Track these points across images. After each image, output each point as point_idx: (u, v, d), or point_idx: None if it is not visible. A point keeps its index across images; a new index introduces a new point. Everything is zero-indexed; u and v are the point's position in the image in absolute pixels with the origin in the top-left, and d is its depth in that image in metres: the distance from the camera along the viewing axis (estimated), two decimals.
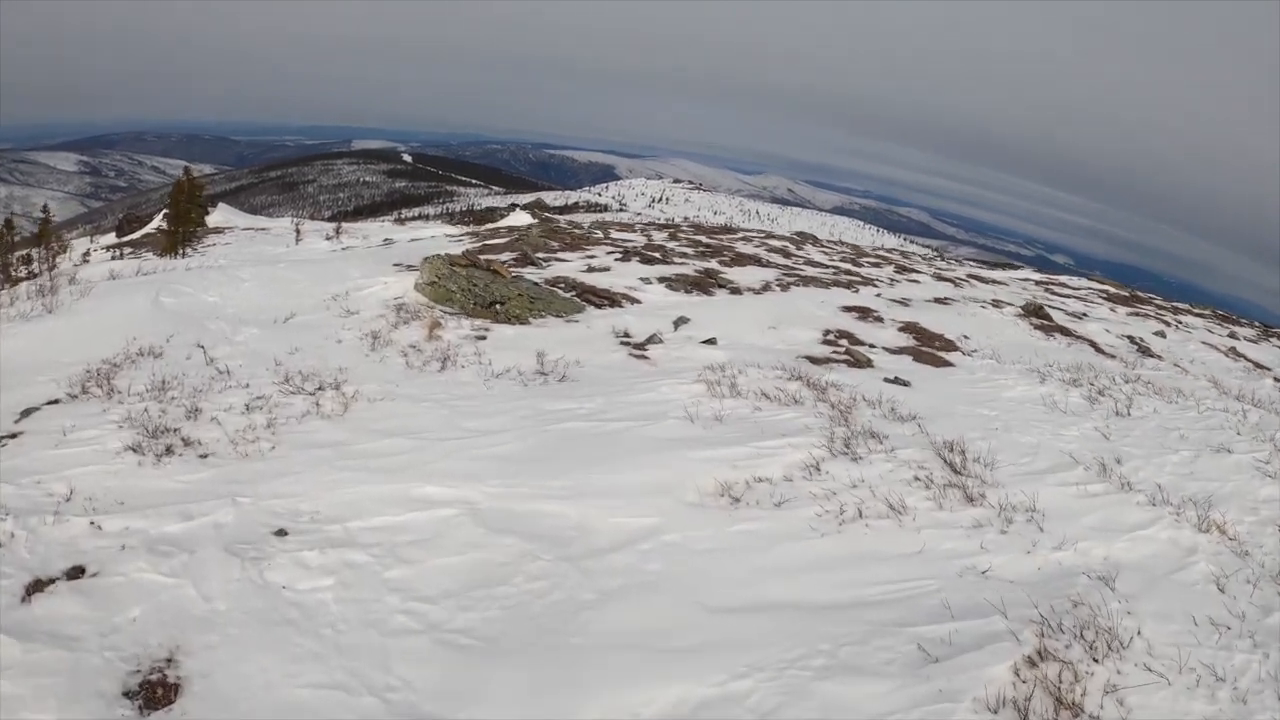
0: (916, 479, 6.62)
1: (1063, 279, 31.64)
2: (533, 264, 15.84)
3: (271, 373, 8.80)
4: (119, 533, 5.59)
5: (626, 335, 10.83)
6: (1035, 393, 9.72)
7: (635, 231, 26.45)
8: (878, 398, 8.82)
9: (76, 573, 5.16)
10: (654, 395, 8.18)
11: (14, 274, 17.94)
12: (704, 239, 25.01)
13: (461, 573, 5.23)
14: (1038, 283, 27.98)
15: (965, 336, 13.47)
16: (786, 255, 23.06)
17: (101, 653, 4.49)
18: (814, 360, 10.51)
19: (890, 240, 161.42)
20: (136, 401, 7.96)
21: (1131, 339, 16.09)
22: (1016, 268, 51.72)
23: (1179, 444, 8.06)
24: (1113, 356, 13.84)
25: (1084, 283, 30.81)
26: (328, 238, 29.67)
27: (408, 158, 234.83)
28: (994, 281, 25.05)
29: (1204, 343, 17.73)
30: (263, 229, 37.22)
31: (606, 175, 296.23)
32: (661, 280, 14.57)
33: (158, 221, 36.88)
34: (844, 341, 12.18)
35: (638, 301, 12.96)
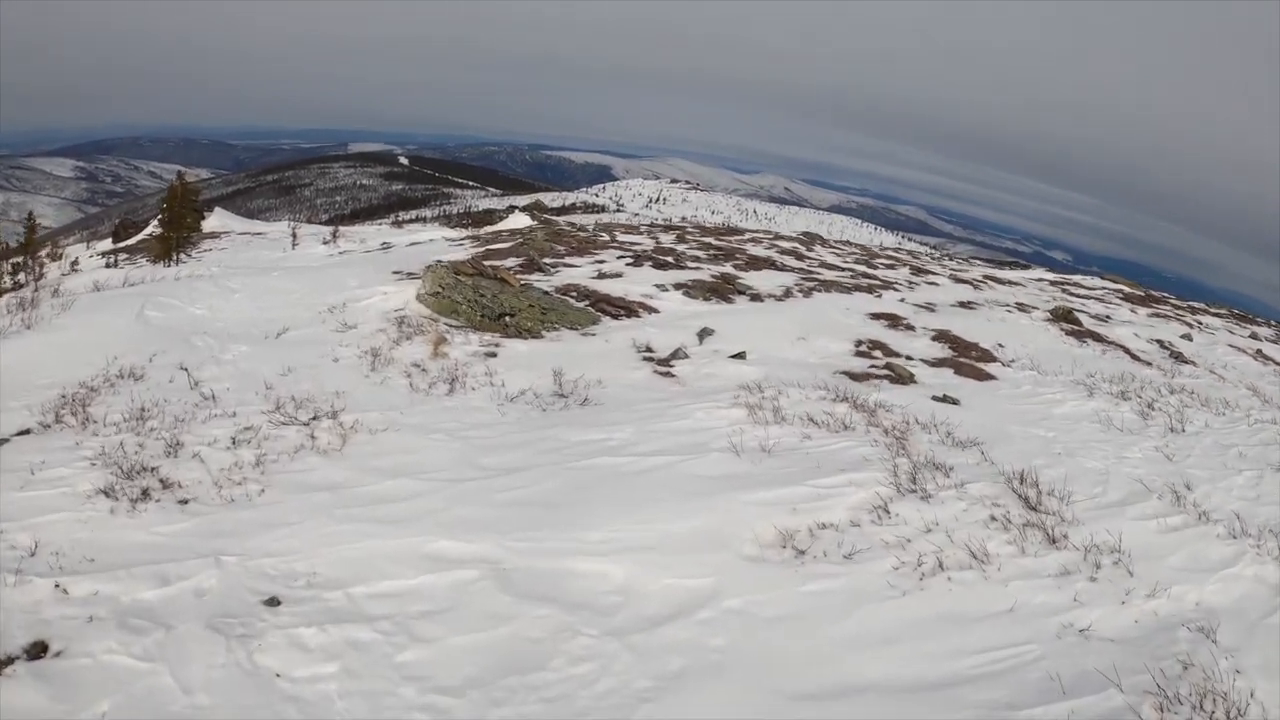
0: (993, 518, 5.97)
1: (1077, 279, 30.97)
2: (540, 270, 15.02)
3: (261, 398, 7.95)
4: (87, 598, 4.80)
5: (649, 350, 9.99)
6: (1086, 408, 9.23)
7: (641, 234, 25.60)
8: (930, 419, 8.12)
9: (39, 650, 4.39)
10: (690, 423, 7.34)
11: (1, 285, 17.14)
12: (713, 241, 24.19)
13: (489, 654, 4.38)
14: (1053, 283, 27.28)
15: (1000, 345, 12.83)
16: (799, 257, 22.25)
17: None
18: (854, 376, 9.72)
19: (888, 238, 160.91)
20: (112, 433, 7.14)
21: (1161, 343, 15.60)
22: (1025, 266, 51.05)
23: (1239, 463, 7.75)
24: (1149, 364, 13.34)
25: (1099, 282, 30.11)
26: (324, 242, 28.92)
27: (404, 160, 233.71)
28: (1010, 283, 24.35)
29: (1230, 345, 17.27)
30: (259, 233, 36.41)
31: (603, 176, 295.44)
32: (678, 287, 13.74)
33: (153, 227, 36.13)
34: (878, 353, 11.44)
35: (655, 310, 12.12)
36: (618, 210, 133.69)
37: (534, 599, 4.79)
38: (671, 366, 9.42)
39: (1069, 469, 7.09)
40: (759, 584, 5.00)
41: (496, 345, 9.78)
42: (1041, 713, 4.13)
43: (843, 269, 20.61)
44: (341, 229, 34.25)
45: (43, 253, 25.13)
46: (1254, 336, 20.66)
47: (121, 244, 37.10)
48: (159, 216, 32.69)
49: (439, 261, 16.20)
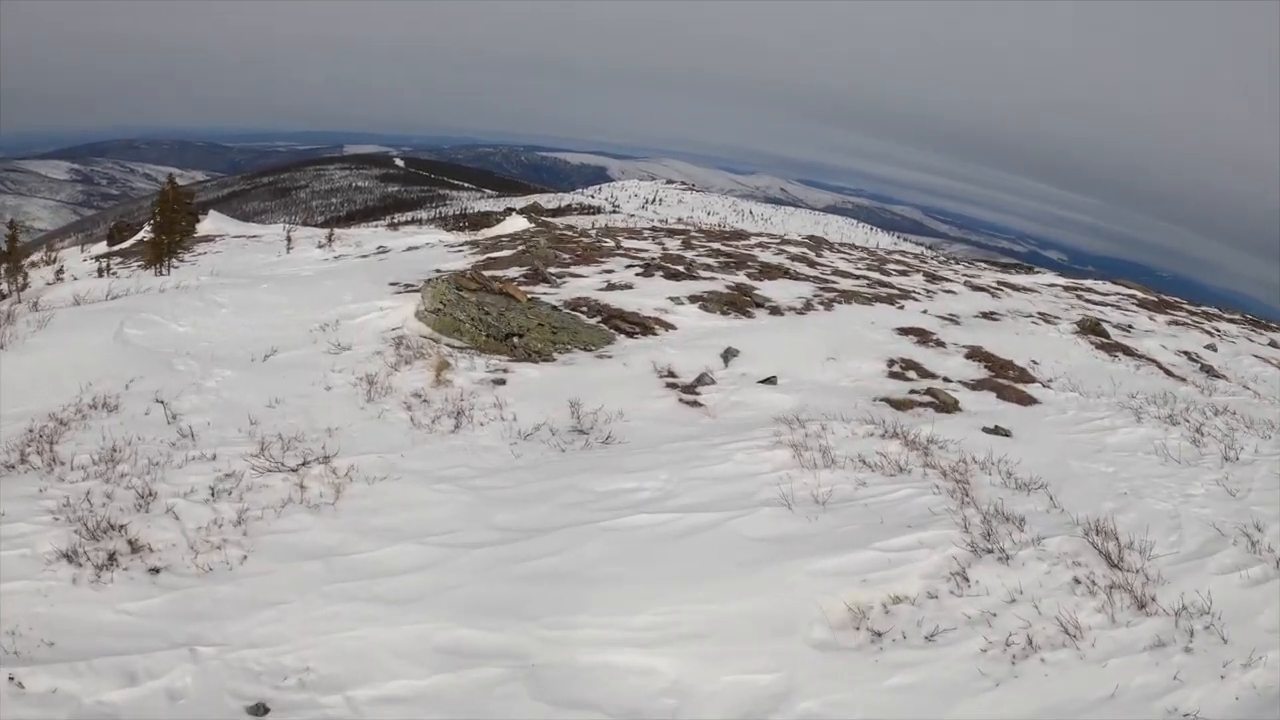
0: (1077, 581, 5.35)
1: (1088, 284, 30.28)
2: (545, 281, 14.22)
3: (245, 435, 7.15)
4: (44, 696, 4.07)
5: (671, 374, 9.19)
6: (1137, 435, 8.62)
7: (646, 239, 24.78)
8: (987, 456, 7.41)
9: None
10: (731, 467, 6.54)
11: None
12: (721, 246, 23.42)
13: None
14: (1066, 288, 26.60)
15: (1035, 362, 12.27)
16: (811, 264, 21.48)
17: None
18: (895, 404, 8.98)
19: (884, 239, 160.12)
20: (80, 479, 6.35)
21: (1189, 355, 15.17)
22: (1028, 268, 50.35)
23: None
24: (1183, 379, 12.91)
25: (1111, 288, 29.44)
26: (319, 245, 28.21)
27: (400, 162, 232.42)
28: (1025, 289, 23.67)
29: (1255, 356, 16.82)
30: (254, 236, 35.64)
31: (599, 177, 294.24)
32: (693, 300, 12.94)
33: (145, 232, 35.40)
34: (913, 373, 10.73)
35: (672, 327, 11.33)
36: (613, 211, 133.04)
37: (572, 705, 3.98)
38: (698, 394, 8.64)
39: (1139, 513, 6.53)
40: (835, 678, 4.22)
41: (505, 370, 8.96)
42: None
43: (857, 276, 19.86)
44: (337, 232, 33.51)
45: (27, 260, 24.35)
46: (1273, 344, 20.12)
47: (116, 247, 36.36)
48: (152, 220, 31.96)
49: (438, 273, 15.41)
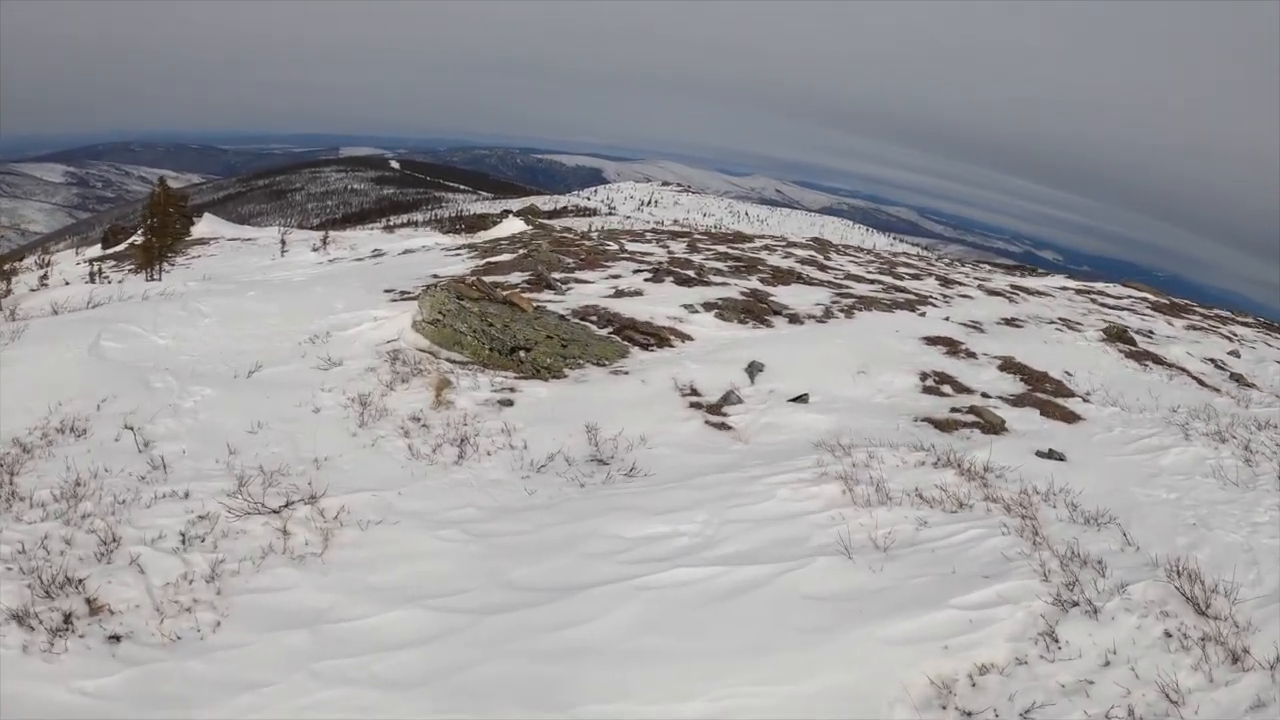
0: (1168, 634, 4.83)
1: (1100, 287, 29.68)
2: (550, 287, 13.47)
3: (223, 468, 6.37)
4: None
5: (694, 392, 8.43)
6: (1189, 455, 8.19)
7: (650, 243, 24.00)
8: (1048, 486, 6.76)
9: None
10: (775, 505, 5.79)
11: None
12: (726, 249, 22.69)
13: None
14: (1078, 292, 25.99)
15: (1069, 373, 11.73)
16: (821, 268, 20.77)
17: None
18: (938, 425, 8.25)
19: (880, 239, 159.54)
20: (39, 518, 5.61)
21: (1215, 362, 14.82)
22: (1032, 270, 49.65)
23: None
24: (1216, 390, 12.58)
25: (1124, 290, 28.84)
26: (314, 249, 27.55)
27: (395, 164, 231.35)
28: (1039, 293, 23.05)
29: (1278, 362, 16.49)
30: (249, 239, 34.89)
31: (594, 179, 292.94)
32: (708, 307, 12.19)
33: (137, 236, 34.76)
34: (947, 387, 10.05)
35: (689, 338, 10.58)
36: (609, 213, 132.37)
37: None
38: (725, 415, 7.89)
39: (1213, 547, 6.06)
40: None
41: (512, 389, 8.17)
42: None
43: (871, 281, 19.15)
44: (332, 234, 32.84)
45: (9, 265, 23.58)
46: None
47: (110, 250, 35.71)
48: (143, 224, 31.25)
49: (436, 279, 14.65)
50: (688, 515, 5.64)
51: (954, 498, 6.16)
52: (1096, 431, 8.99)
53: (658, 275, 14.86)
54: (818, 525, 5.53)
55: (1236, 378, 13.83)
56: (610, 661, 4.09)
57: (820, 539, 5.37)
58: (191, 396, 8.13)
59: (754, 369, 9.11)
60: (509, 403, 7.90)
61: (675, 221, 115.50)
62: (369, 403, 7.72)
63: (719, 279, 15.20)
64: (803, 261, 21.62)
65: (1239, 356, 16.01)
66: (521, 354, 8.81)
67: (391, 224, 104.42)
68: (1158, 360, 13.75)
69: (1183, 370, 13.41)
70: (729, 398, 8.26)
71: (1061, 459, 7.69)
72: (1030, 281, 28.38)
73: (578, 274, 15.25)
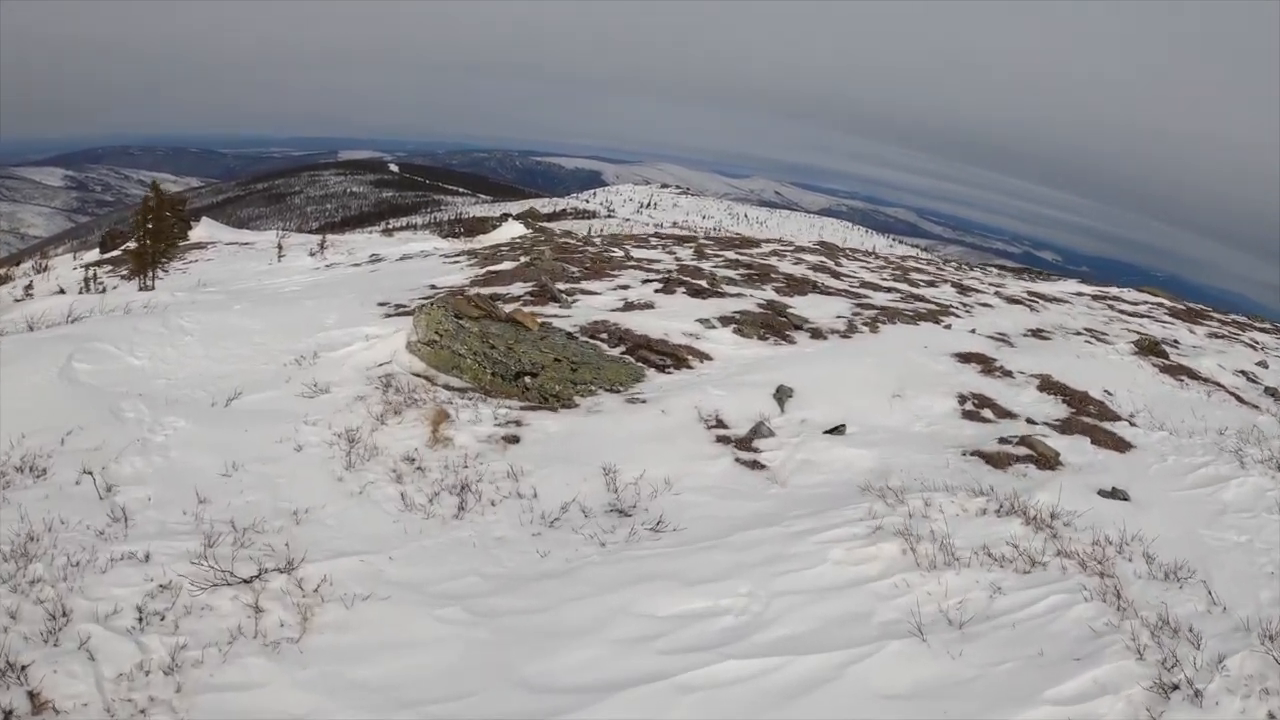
0: (1272, 716, 4.18)
1: (1115, 292, 28.94)
2: (555, 299, 12.64)
3: (191, 521, 5.56)
4: None
5: (720, 423, 7.60)
6: (1249, 487, 7.67)
7: (655, 248, 23.18)
8: (1119, 534, 6.06)
9: None
10: (829, 570, 4.97)
11: None
12: (736, 255, 21.89)
13: None
14: (1095, 298, 25.23)
15: (1108, 392, 11.03)
16: (834, 275, 19.98)
17: None
18: (988, 459, 7.45)
19: (880, 241, 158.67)
20: None
21: (1246, 375, 14.37)
22: (1040, 275, 48.91)
23: None
24: (1256, 407, 12.00)
25: (1140, 296, 28.09)
26: (311, 253, 26.83)
27: (394, 167, 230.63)
28: (1057, 299, 22.29)
29: None
30: (247, 243, 34.12)
31: (593, 181, 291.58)
32: (725, 322, 11.36)
33: (131, 242, 34.02)
34: (988, 411, 9.30)
35: (708, 358, 9.75)
36: (609, 215, 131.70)
37: None
38: (757, 451, 7.06)
39: None
40: None
41: (517, 422, 7.31)
42: None
43: (887, 289, 18.36)
44: (331, 238, 32.17)
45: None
46: None
47: (108, 254, 35.02)
48: (136, 230, 30.51)
49: (434, 290, 13.83)
50: (730, 586, 4.80)
51: (1025, 555, 5.38)
52: (1150, 461, 8.35)
53: (668, 285, 14.04)
54: (880, 596, 4.72)
55: (1271, 392, 13.35)
56: None
57: (886, 614, 4.56)
58: (163, 429, 7.34)
59: (783, 395, 8.29)
60: (515, 439, 7.04)
61: (675, 224, 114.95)
62: (357, 439, 6.88)
63: (733, 289, 14.39)
64: (815, 268, 20.82)
65: (1267, 367, 15.44)
66: (527, 379, 7.98)
67: (390, 227, 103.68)
68: (1192, 375, 13.10)
69: (1218, 385, 12.78)
70: (759, 430, 7.42)
71: (1125, 498, 7.04)
72: (1045, 287, 27.65)
73: (583, 284, 14.44)
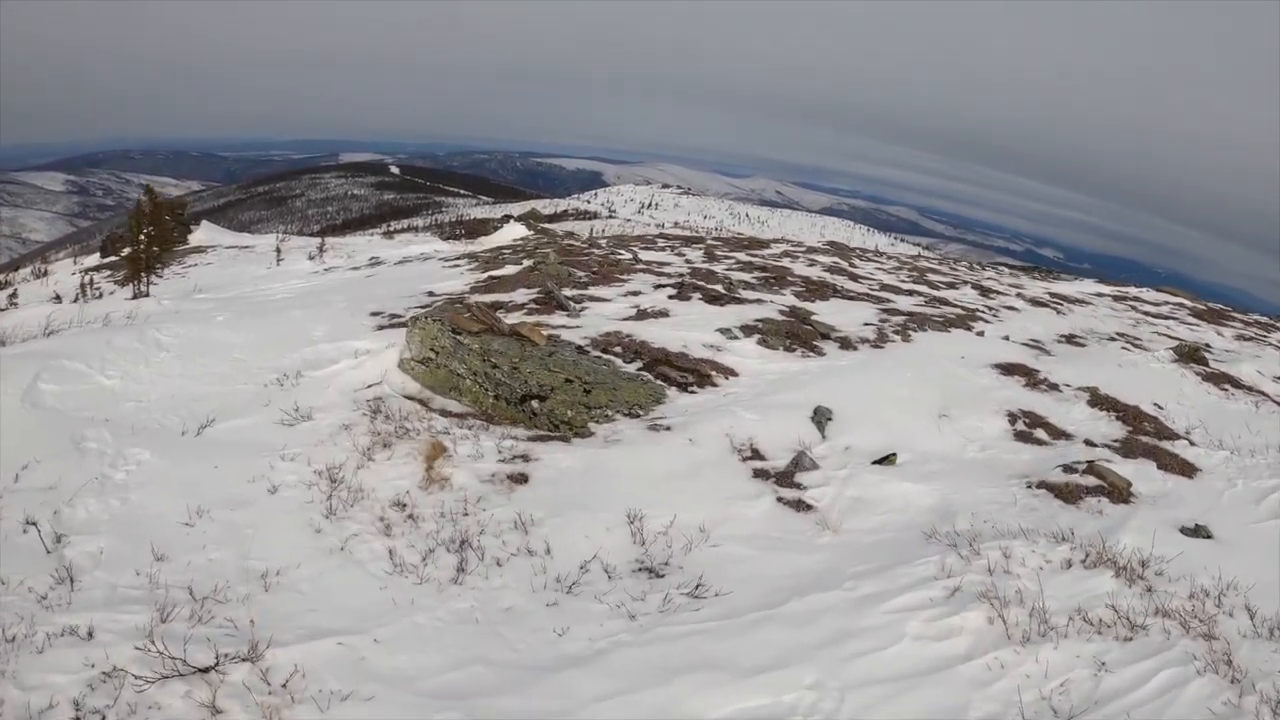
0: None
1: (1134, 292, 28.10)
2: (562, 307, 11.77)
3: (145, 584, 4.71)
4: None
5: (755, 454, 6.70)
6: None
7: (663, 250, 22.27)
8: (1214, 583, 5.33)
9: None
10: (907, 649, 4.12)
11: None
12: (747, 257, 21.02)
13: None
14: (1116, 299, 24.38)
15: (1159, 405, 10.36)
16: (853, 277, 19.08)
17: None
18: (1057, 493, 6.60)
19: (881, 239, 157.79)
20: None
21: None
22: (1050, 274, 47.98)
23: None
24: None
25: (1161, 296, 27.24)
26: (310, 257, 26.10)
27: (395, 169, 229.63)
28: (1079, 301, 21.42)
29: None
30: (246, 247, 33.39)
31: (594, 182, 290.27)
32: (748, 332, 10.45)
33: (128, 249, 33.40)
34: (1041, 432, 8.54)
35: (734, 373, 8.86)
36: (610, 216, 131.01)
37: None
38: (801, 488, 6.18)
39: None
40: None
41: (525, 457, 6.38)
42: None
43: (908, 292, 17.48)
44: (330, 241, 31.50)
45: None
46: None
47: (108, 259, 34.45)
48: (130, 236, 29.77)
49: (431, 297, 12.95)
50: (792, 675, 3.92)
51: (1124, 617, 4.52)
52: (1220, 487, 7.71)
53: (683, 291, 13.16)
54: (974, 682, 3.87)
55: None
56: None
57: (983, 707, 3.73)
58: (126, 463, 6.50)
59: (821, 417, 7.40)
60: (522, 477, 6.10)
61: (676, 224, 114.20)
62: (340, 479, 5.98)
63: (751, 295, 13.50)
64: (830, 270, 19.94)
65: None
66: (535, 404, 7.09)
67: (391, 229, 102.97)
68: (1234, 383, 12.34)
69: (1263, 395, 11.99)
70: (801, 461, 6.53)
71: (1209, 536, 6.37)
72: (1064, 287, 26.80)
73: (591, 290, 13.56)
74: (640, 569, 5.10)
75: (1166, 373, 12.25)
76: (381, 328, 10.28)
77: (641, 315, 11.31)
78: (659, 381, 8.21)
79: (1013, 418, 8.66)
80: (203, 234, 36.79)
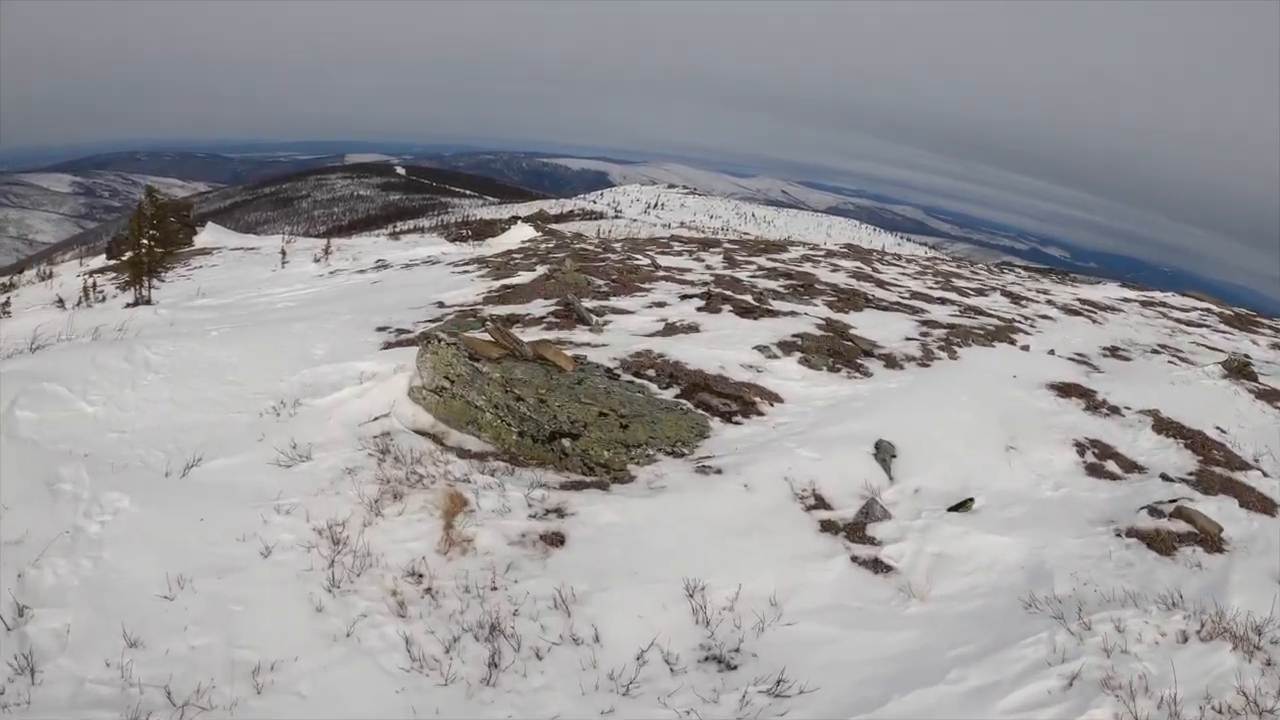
0: None
1: (1160, 297, 27.26)
2: (583, 320, 10.98)
3: (115, 677, 3.98)
4: None
5: (820, 501, 5.88)
6: None
7: (680, 254, 21.44)
8: None
9: None
10: None
11: None
12: (767, 262, 20.19)
13: None
14: (1143, 304, 23.56)
15: (1220, 429, 9.57)
16: (880, 284, 18.26)
17: None
18: (1149, 542, 5.88)
19: (887, 239, 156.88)
20: None
21: None
22: (1067, 276, 47.12)
23: None
24: None
25: (1189, 302, 26.38)
26: (316, 259, 25.42)
27: (401, 170, 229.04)
28: (1109, 308, 20.62)
29: None
30: (252, 248, 32.76)
31: (600, 182, 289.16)
32: (786, 349, 9.64)
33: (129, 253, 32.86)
34: (1112, 464, 7.89)
35: (779, 399, 8.05)
36: (616, 216, 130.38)
37: None
38: (875, 544, 5.38)
39: None
40: None
41: (559, 511, 5.53)
42: None
43: (938, 299, 16.65)
44: (336, 243, 30.84)
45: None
46: None
47: (114, 260, 33.99)
48: (134, 238, 29.14)
49: (443, 310, 12.17)
50: None
51: (1253, 703, 3.75)
52: None
53: (711, 302, 12.35)
54: None
55: None
56: None
57: None
58: (102, 511, 5.74)
59: (885, 454, 6.59)
60: (558, 538, 5.24)
61: (683, 224, 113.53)
62: (344, 539, 5.16)
63: (783, 306, 12.69)
64: (856, 276, 19.13)
65: None
66: (565, 442, 6.27)
67: (398, 230, 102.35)
68: None
69: None
70: (870, 510, 5.72)
71: None
72: (1090, 292, 25.97)
73: (612, 300, 12.77)
74: (707, 658, 4.30)
75: (1219, 390, 11.49)
76: (389, 345, 9.50)
77: (670, 330, 10.50)
78: (700, 411, 7.39)
79: (1080, 448, 7.88)
80: (208, 235, 36.23)
